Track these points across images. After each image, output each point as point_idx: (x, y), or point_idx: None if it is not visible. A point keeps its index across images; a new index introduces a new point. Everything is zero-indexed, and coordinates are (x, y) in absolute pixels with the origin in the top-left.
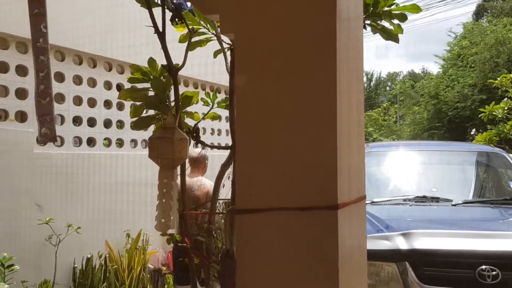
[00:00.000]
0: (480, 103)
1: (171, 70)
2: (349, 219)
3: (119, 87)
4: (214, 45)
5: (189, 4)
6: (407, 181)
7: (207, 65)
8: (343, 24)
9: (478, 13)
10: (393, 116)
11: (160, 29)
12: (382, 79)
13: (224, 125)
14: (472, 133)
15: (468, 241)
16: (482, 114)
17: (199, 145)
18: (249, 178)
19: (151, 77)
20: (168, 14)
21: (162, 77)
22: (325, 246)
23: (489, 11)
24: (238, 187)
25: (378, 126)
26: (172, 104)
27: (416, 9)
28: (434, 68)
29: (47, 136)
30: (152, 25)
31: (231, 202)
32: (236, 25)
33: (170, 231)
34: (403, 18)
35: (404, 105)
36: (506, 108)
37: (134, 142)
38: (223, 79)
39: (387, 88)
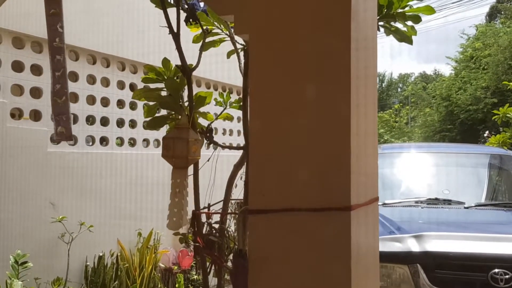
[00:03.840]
0: (493, 106)
1: (186, 70)
2: (361, 221)
3: (132, 86)
4: (226, 46)
5: (202, 4)
6: (419, 183)
7: (219, 65)
8: (358, 27)
9: (491, 15)
10: (404, 117)
11: (175, 30)
12: (394, 80)
13: (236, 125)
14: (485, 135)
15: (481, 244)
16: (496, 116)
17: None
18: (262, 178)
19: (165, 77)
20: (182, 15)
21: (175, 77)
22: (337, 247)
23: (502, 12)
24: (251, 188)
25: (389, 128)
26: (186, 104)
27: (430, 10)
28: (446, 70)
29: (63, 135)
30: (166, 25)
31: (243, 203)
32: (251, 26)
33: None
34: (417, 19)
35: (415, 107)
36: None
37: (146, 141)
38: (235, 79)
39: (399, 89)
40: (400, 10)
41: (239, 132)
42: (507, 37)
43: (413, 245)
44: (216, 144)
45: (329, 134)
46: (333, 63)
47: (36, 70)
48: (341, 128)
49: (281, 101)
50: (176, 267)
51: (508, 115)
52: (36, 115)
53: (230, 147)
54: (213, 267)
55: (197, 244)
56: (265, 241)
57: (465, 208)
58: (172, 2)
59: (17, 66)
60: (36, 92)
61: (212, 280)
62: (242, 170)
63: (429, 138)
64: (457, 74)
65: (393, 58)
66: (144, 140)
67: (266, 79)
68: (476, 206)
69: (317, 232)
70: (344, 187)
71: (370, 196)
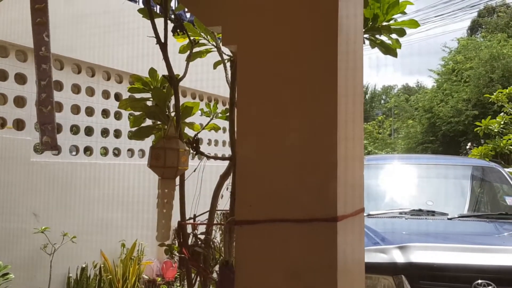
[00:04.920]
0: (474, 118)
1: (173, 80)
2: (348, 232)
3: (117, 96)
4: (213, 56)
5: (188, 15)
6: (403, 194)
7: (205, 76)
8: (345, 38)
9: (473, 29)
10: (387, 129)
11: (162, 40)
12: (377, 92)
13: (221, 136)
14: (467, 147)
15: (464, 255)
16: (478, 128)
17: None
18: (249, 189)
19: (152, 87)
20: (169, 25)
21: (162, 88)
22: (324, 258)
23: (483, 26)
24: (238, 198)
25: (372, 139)
26: (172, 114)
27: (414, 24)
28: (429, 83)
29: (48, 144)
30: (154, 35)
31: (229, 213)
32: (239, 37)
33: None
34: (402, 33)
35: (398, 119)
36: (502, 122)
37: (131, 151)
38: (220, 90)
39: (382, 101)
40: (385, 23)
41: (224, 142)
42: (488, 50)
43: (397, 256)
44: (202, 155)
45: (316, 145)
46: (321, 75)
47: (20, 79)
48: (328, 139)
49: (268, 112)
50: (160, 279)
51: (490, 127)
52: (19, 124)
53: (217, 158)
54: (198, 279)
55: (183, 255)
56: (251, 252)
57: (448, 219)
58: (159, 12)
59: (1, 75)
60: (20, 101)
61: None
62: (228, 181)
63: (412, 149)
64: (439, 86)
65: (376, 70)
66: (128, 150)
67: (253, 90)
68: (459, 217)
69: (303, 243)
70: (330, 198)
71: (356, 207)
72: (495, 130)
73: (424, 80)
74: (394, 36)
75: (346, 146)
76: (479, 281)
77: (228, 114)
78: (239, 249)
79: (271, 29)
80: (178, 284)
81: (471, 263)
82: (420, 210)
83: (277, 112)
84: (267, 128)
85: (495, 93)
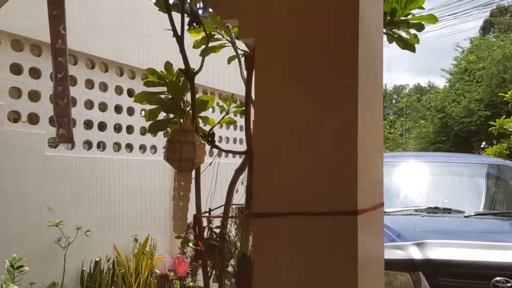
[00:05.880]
0: (486, 119)
1: (189, 74)
2: (368, 226)
3: (130, 92)
4: (224, 54)
5: (201, 11)
6: (419, 192)
7: (218, 72)
8: (365, 32)
9: (485, 28)
10: (399, 129)
11: (179, 33)
12: (388, 91)
13: (232, 133)
14: (482, 146)
15: (482, 252)
16: (492, 127)
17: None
18: (268, 182)
19: (167, 80)
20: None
21: (177, 81)
22: (344, 252)
23: (496, 26)
24: (256, 191)
25: (384, 139)
26: (188, 108)
27: (433, 19)
28: (441, 82)
29: (64, 137)
30: (167, 30)
31: (245, 207)
32: (256, 30)
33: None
34: (420, 27)
35: (410, 118)
36: None
37: (143, 148)
38: (231, 86)
39: (393, 101)
40: (403, 18)
41: (235, 139)
42: (501, 50)
43: (415, 253)
44: (218, 149)
45: (336, 137)
46: (341, 69)
47: (35, 73)
48: (348, 132)
49: (286, 104)
50: (172, 274)
51: (504, 126)
52: (33, 119)
53: (232, 152)
54: (213, 272)
55: (199, 248)
56: (270, 245)
57: (465, 217)
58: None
59: (16, 69)
60: (34, 95)
61: (212, 286)
62: (243, 175)
63: (424, 149)
64: (452, 86)
65: (387, 70)
66: (141, 146)
67: (271, 84)
68: (475, 215)
69: (323, 236)
70: (350, 191)
71: (376, 201)
72: (510, 130)
73: (436, 80)
74: (412, 31)
75: (366, 139)
76: (498, 278)
77: (243, 108)
78: (257, 242)
79: (289, 21)
80: (190, 280)
81: (490, 260)
82: (436, 207)
83: (296, 107)
84: (285, 121)
85: (509, 92)
